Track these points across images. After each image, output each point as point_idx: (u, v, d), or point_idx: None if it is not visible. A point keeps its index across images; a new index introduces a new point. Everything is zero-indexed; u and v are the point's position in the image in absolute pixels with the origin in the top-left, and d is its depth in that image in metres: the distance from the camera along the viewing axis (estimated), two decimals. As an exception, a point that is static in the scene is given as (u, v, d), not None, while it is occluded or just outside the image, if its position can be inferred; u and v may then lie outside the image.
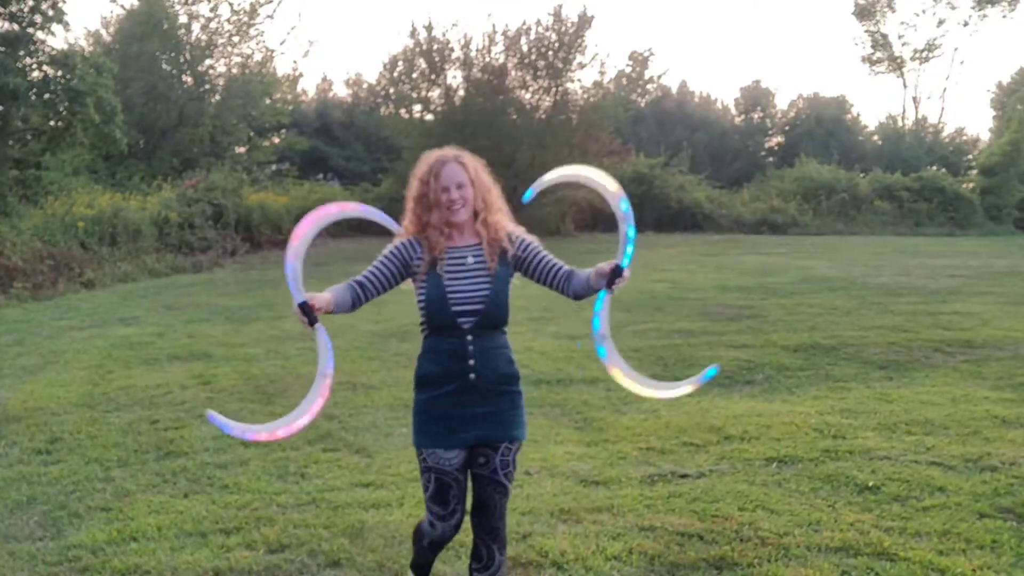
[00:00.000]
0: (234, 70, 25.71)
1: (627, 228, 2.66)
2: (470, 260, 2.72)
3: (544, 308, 10.03)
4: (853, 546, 3.45)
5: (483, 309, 2.68)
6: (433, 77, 24.46)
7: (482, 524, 2.78)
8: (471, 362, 2.67)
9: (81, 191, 17.11)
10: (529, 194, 2.81)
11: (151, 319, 9.97)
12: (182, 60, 24.67)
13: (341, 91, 37.11)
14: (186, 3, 24.68)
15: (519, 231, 2.83)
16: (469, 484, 2.80)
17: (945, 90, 64.91)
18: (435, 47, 24.08)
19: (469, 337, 2.67)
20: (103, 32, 26.49)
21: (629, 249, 2.64)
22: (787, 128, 41.48)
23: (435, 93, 24.85)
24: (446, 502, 2.74)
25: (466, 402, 2.67)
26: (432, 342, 2.72)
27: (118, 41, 24.42)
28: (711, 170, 32.31)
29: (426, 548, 2.92)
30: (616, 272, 2.62)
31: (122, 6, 24.93)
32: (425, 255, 2.73)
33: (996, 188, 29.40)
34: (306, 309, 2.51)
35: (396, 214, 2.83)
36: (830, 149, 36.06)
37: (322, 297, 2.59)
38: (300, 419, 2.63)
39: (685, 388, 2.84)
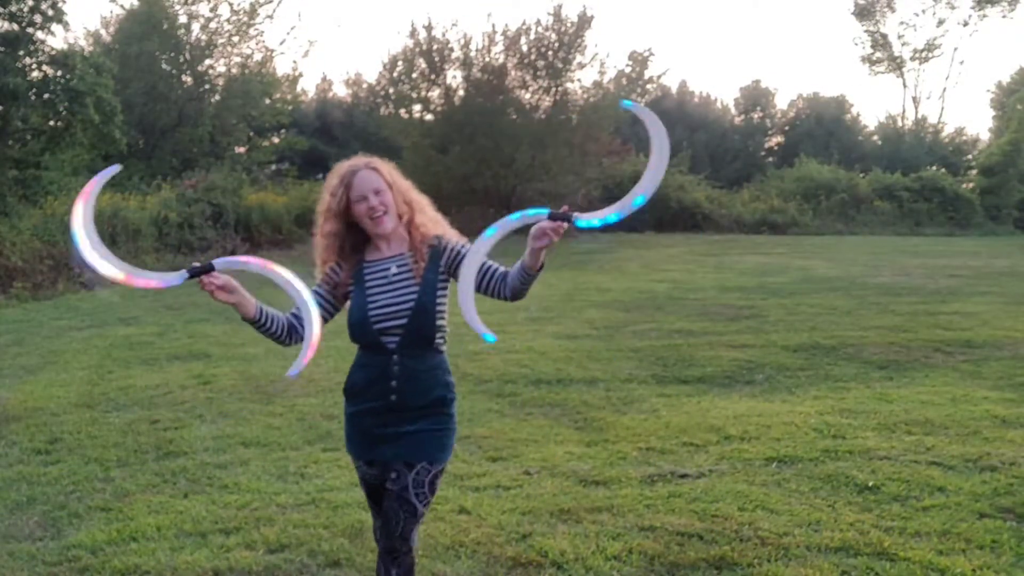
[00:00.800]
0: (234, 70, 25.73)
1: (611, 215, 2.25)
2: (393, 270, 2.53)
3: (544, 308, 10.03)
4: (853, 546, 3.45)
5: (408, 323, 2.48)
6: (433, 77, 24.47)
7: (383, 542, 2.56)
8: (393, 383, 2.49)
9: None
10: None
11: (151, 319, 9.97)
12: (182, 60, 24.69)
13: (341, 91, 37.19)
14: (186, 3, 24.70)
15: (453, 234, 2.62)
16: None
17: (945, 90, 64.96)
18: (435, 47, 24.09)
19: (395, 357, 2.49)
20: (103, 32, 26.52)
21: (596, 222, 2.25)
22: (787, 128, 41.49)
23: (435, 93, 24.88)
24: (379, 505, 2.61)
25: (387, 422, 2.51)
26: (361, 355, 2.58)
27: (118, 41, 24.42)
28: (711, 170, 32.36)
29: (378, 543, 2.70)
30: (567, 217, 2.21)
31: (122, 6, 24.96)
32: (342, 273, 2.59)
33: (996, 188, 29.43)
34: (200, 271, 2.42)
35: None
36: (830, 149, 36.10)
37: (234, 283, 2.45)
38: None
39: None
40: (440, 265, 2.53)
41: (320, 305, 2.54)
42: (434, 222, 2.60)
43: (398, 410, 2.49)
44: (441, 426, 2.53)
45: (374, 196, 2.49)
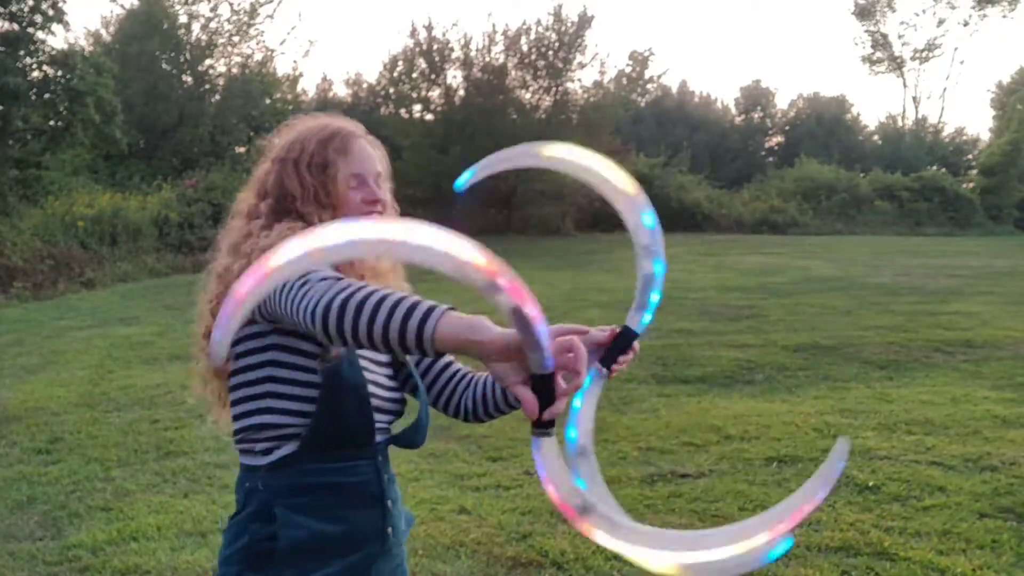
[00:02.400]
0: (234, 70, 25.73)
1: (652, 299, 1.45)
2: None
3: (545, 308, 10.01)
4: (853, 546, 3.45)
5: (401, 408, 1.55)
6: (433, 77, 24.49)
7: None
8: (388, 504, 1.48)
9: (81, 191, 17.12)
10: (469, 175, 1.41)
11: (151, 319, 9.97)
12: (182, 60, 24.69)
13: (341, 91, 37.09)
14: (186, 3, 24.71)
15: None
16: None
17: (945, 90, 64.92)
18: (435, 47, 24.12)
19: (380, 459, 1.49)
20: (103, 32, 26.50)
21: (648, 317, 1.51)
22: (787, 128, 41.49)
23: (435, 93, 24.90)
24: None
25: None
26: (314, 475, 1.43)
27: (118, 41, 24.44)
28: (711, 170, 32.33)
29: None
30: (627, 339, 1.46)
31: (122, 6, 24.97)
32: None
33: (996, 188, 29.42)
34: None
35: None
36: (830, 149, 36.10)
37: None
38: None
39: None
40: None
41: None
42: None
43: (390, 556, 1.51)
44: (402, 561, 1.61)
45: (376, 185, 1.50)
